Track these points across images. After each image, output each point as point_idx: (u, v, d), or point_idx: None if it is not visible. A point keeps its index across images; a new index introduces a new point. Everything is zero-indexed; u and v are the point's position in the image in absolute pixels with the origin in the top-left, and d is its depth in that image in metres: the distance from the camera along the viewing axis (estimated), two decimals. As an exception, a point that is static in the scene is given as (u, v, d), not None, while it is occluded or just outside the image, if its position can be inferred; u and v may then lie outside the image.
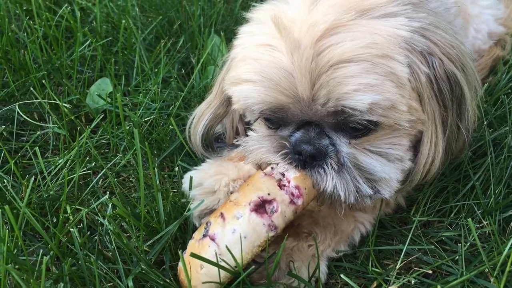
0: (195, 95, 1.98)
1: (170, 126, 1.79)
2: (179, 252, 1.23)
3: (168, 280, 1.30)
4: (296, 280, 1.31)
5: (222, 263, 1.20)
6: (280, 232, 1.26)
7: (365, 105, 1.16)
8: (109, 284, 1.31)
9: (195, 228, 1.41)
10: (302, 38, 1.17)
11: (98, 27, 2.23)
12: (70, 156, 1.63)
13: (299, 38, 1.17)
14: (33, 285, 1.14)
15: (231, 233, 1.22)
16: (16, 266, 1.22)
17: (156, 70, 2.07)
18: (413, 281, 1.36)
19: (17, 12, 2.34)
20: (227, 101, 1.49)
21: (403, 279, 1.36)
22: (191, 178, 1.45)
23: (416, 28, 1.23)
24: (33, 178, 1.45)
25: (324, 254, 1.42)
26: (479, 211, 1.53)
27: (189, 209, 1.41)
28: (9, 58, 2.07)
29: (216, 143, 1.67)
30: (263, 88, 1.22)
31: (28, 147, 1.72)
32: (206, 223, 1.28)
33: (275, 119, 1.32)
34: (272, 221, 1.23)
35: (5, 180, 1.48)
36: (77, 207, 1.48)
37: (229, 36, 2.14)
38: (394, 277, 1.38)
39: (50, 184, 1.56)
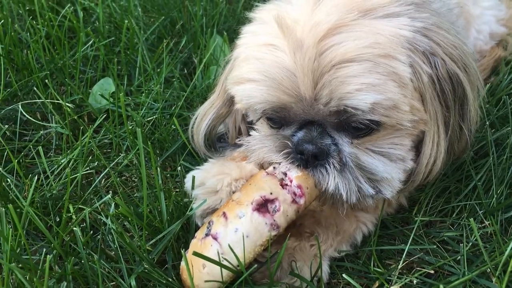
0: (198, 95, 1.98)
1: (173, 126, 1.80)
2: (182, 251, 1.23)
3: (170, 279, 1.30)
4: (298, 280, 1.31)
5: (225, 262, 1.20)
6: (282, 232, 1.27)
7: (367, 104, 1.16)
8: (111, 283, 1.31)
9: (197, 228, 1.41)
10: (304, 37, 1.18)
11: (100, 27, 2.23)
12: (73, 156, 1.63)
13: (302, 37, 1.18)
14: (36, 284, 1.14)
15: (233, 232, 1.22)
16: (20, 265, 1.22)
17: (158, 70, 2.08)
18: (415, 281, 1.36)
19: (20, 12, 2.34)
20: (230, 101, 1.49)
21: (405, 279, 1.36)
22: (193, 177, 1.46)
23: (419, 28, 1.23)
24: (36, 178, 1.45)
25: (326, 254, 1.42)
26: (481, 211, 1.53)
27: (191, 209, 1.41)
28: (11, 58, 2.08)
29: (219, 143, 1.68)
30: (265, 87, 1.23)
31: (31, 146, 1.72)
32: (209, 223, 1.28)
33: (278, 118, 1.33)
34: (274, 220, 1.24)
35: (8, 180, 1.48)
36: (80, 206, 1.48)
37: (231, 36, 2.15)
38: (396, 277, 1.37)
39: (53, 183, 1.56)
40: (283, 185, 1.28)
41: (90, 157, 1.67)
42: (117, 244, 1.35)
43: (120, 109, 1.80)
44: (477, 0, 2.17)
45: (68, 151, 1.69)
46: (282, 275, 1.34)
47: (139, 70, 2.09)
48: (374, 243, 1.43)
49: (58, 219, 1.45)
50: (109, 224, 1.39)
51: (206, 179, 1.47)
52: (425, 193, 1.59)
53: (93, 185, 1.58)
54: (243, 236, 1.20)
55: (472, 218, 1.35)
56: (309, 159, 1.28)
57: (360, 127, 1.25)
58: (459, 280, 1.29)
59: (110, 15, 2.41)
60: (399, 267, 1.39)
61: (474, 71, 1.35)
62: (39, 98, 1.90)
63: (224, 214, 1.26)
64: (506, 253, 1.27)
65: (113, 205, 1.42)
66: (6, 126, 1.77)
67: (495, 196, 1.53)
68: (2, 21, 2.09)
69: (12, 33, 2.10)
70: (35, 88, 1.90)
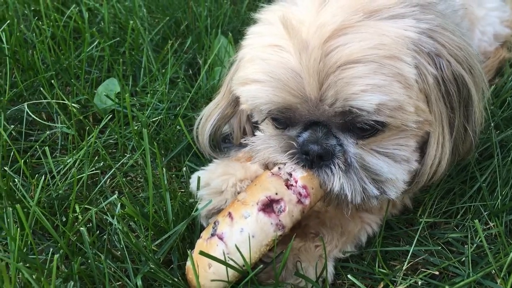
0: (202, 95, 1.99)
1: (178, 127, 1.80)
2: (188, 251, 1.23)
3: (176, 279, 1.30)
4: (303, 280, 1.32)
5: (230, 262, 1.20)
6: (288, 232, 1.27)
7: (373, 105, 1.16)
8: (118, 283, 1.31)
9: (202, 228, 1.41)
10: (310, 38, 1.18)
11: (106, 28, 2.24)
12: (79, 156, 1.64)
13: (307, 38, 1.18)
14: (44, 283, 1.14)
15: (239, 232, 1.23)
16: (27, 265, 1.23)
17: (163, 70, 2.08)
18: (419, 282, 1.36)
19: (26, 12, 2.35)
20: (235, 102, 1.50)
21: (410, 280, 1.36)
22: (198, 178, 1.46)
23: (424, 30, 1.23)
24: (43, 177, 1.46)
25: (331, 255, 1.42)
26: (486, 213, 1.53)
27: (196, 209, 1.42)
28: (17, 58, 2.09)
29: (223, 143, 1.68)
30: (271, 88, 1.23)
31: (37, 146, 1.73)
32: (214, 223, 1.28)
33: (283, 119, 1.33)
34: (279, 220, 1.24)
35: (15, 180, 1.49)
36: (86, 206, 1.49)
37: (236, 37, 2.16)
38: (401, 278, 1.38)
39: (59, 183, 1.57)
40: (288, 186, 1.29)
41: (96, 157, 1.67)
42: (123, 244, 1.36)
43: (125, 109, 1.80)
44: (481, 1, 2.17)
45: (74, 151, 1.69)
46: (287, 276, 1.34)
47: (144, 70, 2.10)
48: (378, 244, 1.43)
49: (64, 219, 1.45)
50: (115, 224, 1.39)
51: (211, 179, 1.47)
52: (430, 194, 1.60)
53: (99, 185, 1.59)
54: (248, 236, 1.21)
55: (476, 220, 1.35)
56: (314, 159, 1.29)
57: (365, 128, 1.25)
58: (464, 281, 1.29)
59: (115, 15, 2.42)
60: (404, 268, 1.39)
61: (479, 72, 1.35)
62: (45, 98, 1.91)
63: (229, 214, 1.27)
64: (511, 254, 1.27)
65: (119, 205, 1.42)
66: (12, 126, 1.77)
67: (500, 197, 1.53)
68: (8, 21, 2.10)
69: (18, 34, 2.11)
70: (41, 88, 1.90)
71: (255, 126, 1.56)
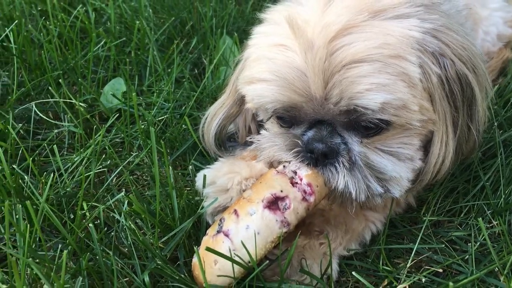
0: (207, 95, 2.01)
1: (183, 126, 1.82)
2: (195, 247, 1.25)
3: (182, 275, 1.32)
4: (308, 277, 1.33)
5: (236, 259, 1.22)
6: (293, 229, 1.28)
7: (377, 104, 1.17)
8: (125, 279, 1.33)
9: (208, 225, 1.43)
10: (315, 38, 1.19)
11: (112, 28, 2.26)
12: (86, 154, 1.66)
13: (313, 38, 1.20)
14: (53, 278, 1.16)
15: (244, 229, 1.24)
16: (37, 260, 1.25)
17: (169, 70, 2.10)
18: (423, 280, 1.37)
19: (33, 12, 2.37)
20: (240, 100, 1.51)
21: (414, 278, 1.37)
22: (204, 176, 1.47)
23: (428, 30, 1.25)
24: (52, 175, 1.48)
25: (336, 252, 1.43)
26: (489, 211, 1.54)
27: (202, 207, 1.43)
28: (24, 58, 2.11)
29: (229, 142, 1.70)
30: (277, 87, 1.25)
31: (45, 145, 1.75)
32: (220, 220, 1.30)
33: (288, 117, 1.34)
34: (285, 217, 1.25)
35: (25, 177, 1.50)
36: (93, 204, 1.51)
37: (241, 37, 2.17)
38: (404, 275, 1.39)
39: (67, 181, 1.58)
40: (293, 183, 1.30)
41: (103, 156, 1.69)
42: (130, 241, 1.37)
43: (131, 108, 1.82)
44: (484, 1, 2.18)
45: (81, 150, 1.71)
46: (292, 273, 1.35)
47: (149, 70, 2.12)
48: (383, 241, 1.44)
49: (72, 216, 1.47)
50: (122, 221, 1.41)
51: (217, 177, 1.48)
52: (433, 193, 1.61)
53: (107, 183, 1.60)
54: (254, 233, 1.22)
55: (480, 218, 1.36)
56: (319, 157, 1.30)
57: (369, 127, 1.26)
58: (468, 278, 1.30)
59: (120, 15, 2.44)
60: (408, 265, 1.41)
61: (482, 72, 1.36)
62: (52, 97, 1.93)
63: (235, 211, 1.28)
64: (514, 252, 1.28)
65: (126, 202, 1.44)
66: (20, 125, 1.79)
67: (503, 196, 1.54)
68: (16, 21, 2.12)
69: (25, 33, 2.13)
70: (49, 87, 1.92)
71: (260, 125, 1.57)
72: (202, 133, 1.65)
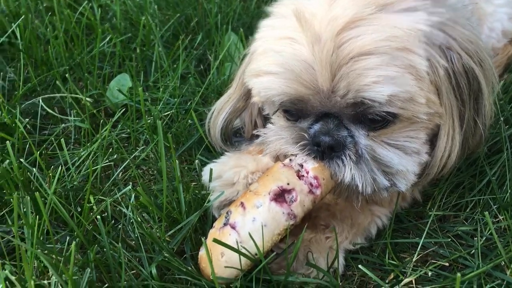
0: (213, 91, 2.01)
1: (189, 121, 1.83)
2: (202, 239, 1.25)
3: (189, 268, 1.32)
4: (314, 271, 1.33)
5: (243, 251, 1.22)
6: (299, 221, 1.29)
7: (385, 96, 1.18)
8: (132, 272, 1.34)
9: (214, 219, 1.43)
10: (323, 31, 1.20)
11: (117, 24, 2.27)
12: (93, 148, 1.67)
13: (320, 31, 1.20)
14: (62, 269, 1.17)
15: (251, 221, 1.24)
16: (45, 252, 1.25)
17: (174, 66, 2.11)
18: (429, 273, 1.37)
19: (40, 8, 2.38)
20: (247, 95, 1.52)
21: (420, 271, 1.37)
22: (211, 170, 1.48)
23: (436, 23, 1.25)
24: (59, 168, 1.49)
25: (341, 246, 1.43)
26: (495, 206, 1.54)
27: (209, 200, 1.44)
28: (30, 54, 2.12)
29: (234, 137, 1.70)
30: (284, 79, 1.25)
31: (52, 139, 1.76)
32: (227, 212, 1.30)
33: (295, 111, 1.35)
34: (291, 210, 1.26)
35: (34, 170, 1.51)
36: (100, 197, 1.51)
37: (246, 33, 2.18)
38: (411, 269, 1.39)
39: (74, 174, 1.59)
40: (299, 176, 1.30)
41: (110, 150, 1.70)
42: (137, 234, 1.38)
43: (137, 104, 1.83)
44: (489, -3, 2.18)
45: (88, 144, 1.72)
46: (298, 266, 1.35)
47: (155, 66, 2.12)
48: (389, 236, 1.44)
49: (79, 210, 1.48)
50: (129, 215, 1.42)
51: (223, 171, 1.49)
52: (439, 188, 1.61)
53: (114, 176, 1.61)
54: (261, 225, 1.23)
55: (486, 212, 1.36)
56: (326, 150, 1.30)
57: (376, 119, 1.26)
58: (474, 272, 1.30)
59: (126, 12, 2.45)
60: (414, 259, 1.41)
61: (489, 66, 1.36)
62: (59, 92, 1.94)
63: (242, 204, 1.28)
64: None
65: (133, 195, 1.45)
66: (27, 119, 1.80)
67: (509, 191, 1.54)
68: (23, 16, 2.13)
69: (31, 29, 2.14)
70: (57, 82, 1.93)
71: (266, 120, 1.58)
72: (208, 128, 1.65)
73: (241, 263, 1.23)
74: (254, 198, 1.28)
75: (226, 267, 1.23)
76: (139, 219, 1.38)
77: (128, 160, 1.63)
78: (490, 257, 1.40)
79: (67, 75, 1.95)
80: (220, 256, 1.24)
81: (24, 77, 2.01)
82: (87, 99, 1.85)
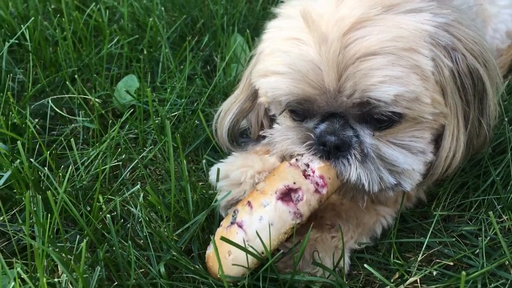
0: (219, 92, 2.03)
1: (196, 121, 1.85)
2: (211, 236, 1.27)
3: (197, 266, 1.34)
4: (320, 270, 1.34)
5: (250, 249, 1.23)
6: (305, 221, 1.30)
7: (390, 96, 1.19)
8: (141, 270, 1.35)
9: (221, 218, 1.44)
10: (329, 31, 1.21)
11: (125, 25, 2.29)
12: (102, 148, 1.69)
13: (327, 31, 1.22)
14: (74, 267, 1.19)
15: (258, 220, 1.26)
16: (56, 250, 1.27)
17: (181, 67, 2.13)
18: (434, 273, 1.38)
19: (49, 10, 2.41)
20: (254, 95, 1.53)
21: (425, 271, 1.38)
22: (218, 170, 1.49)
23: (441, 24, 1.26)
24: (69, 168, 1.51)
25: (347, 246, 1.44)
26: (499, 206, 1.55)
27: (216, 200, 1.45)
28: (39, 55, 2.14)
29: (241, 138, 1.72)
30: (291, 80, 1.26)
31: (62, 139, 1.78)
32: (234, 211, 1.32)
33: (301, 111, 1.36)
34: (297, 209, 1.27)
35: (42, 171, 1.53)
36: (109, 197, 1.53)
37: (251, 34, 2.20)
38: (415, 268, 1.40)
39: (83, 174, 1.61)
40: (306, 176, 1.32)
41: (118, 150, 1.72)
42: (146, 233, 1.40)
43: (145, 105, 1.85)
44: (493, -1, 2.19)
45: (97, 144, 1.74)
46: (304, 265, 1.36)
47: (162, 67, 2.14)
48: (394, 235, 1.45)
49: (88, 209, 1.49)
50: (138, 214, 1.44)
51: (230, 171, 1.50)
52: (444, 188, 1.62)
53: (122, 176, 1.62)
54: (268, 224, 1.24)
55: (491, 212, 1.37)
56: (331, 150, 1.31)
57: (382, 119, 1.28)
58: (479, 271, 1.31)
59: (133, 13, 2.47)
60: (419, 259, 1.42)
61: (493, 66, 1.37)
62: (68, 93, 1.96)
63: (249, 203, 1.30)
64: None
65: (141, 195, 1.46)
66: (36, 120, 1.82)
67: (514, 191, 1.55)
68: (32, 18, 2.16)
69: (40, 31, 2.16)
70: (67, 83, 1.95)
71: (272, 121, 1.59)
72: (215, 128, 1.67)
73: (248, 261, 1.24)
74: (261, 197, 1.29)
75: (233, 265, 1.25)
76: (147, 218, 1.39)
77: (137, 160, 1.65)
78: (495, 256, 1.40)
79: (75, 76, 1.97)
80: (227, 255, 1.26)
81: (33, 78, 2.03)
82: (96, 100, 1.87)
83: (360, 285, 1.42)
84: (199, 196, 1.50)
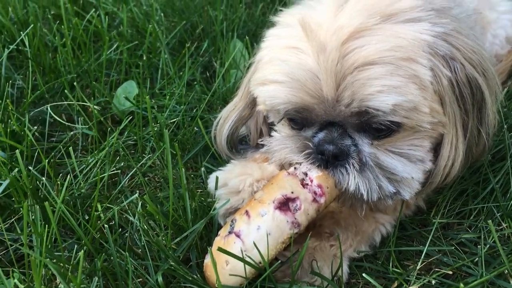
0: (218, 98, 2.03)
1: (195, 128, 1.84)
2: (208, 248, 1.27)
3: (195, 276, 1.33)
4: (319, 279, 1.34)
5: (247, 259, 1.23)
6: (303, 230, 1.30)
7: (389, 106, 1.19)
8: (138, 280, 1.35)
9: (220, 227, 1.44)
10: (328, 41, 1.21)
11: (124, 31, 2.29)
12: (100, 156, 1.68)
13: (325, 41, 1.22)
14: (71, 278, 1.18)
15: (256, 229, 1.25)
16: (54, 260, 1.27)
17: (181, 73, 2.12)
18: (433, 282, 1.37)
19: (49, 16, 2.41)
20: (252, 103, 1.53)
21: (424, 280, 1.37)
22: (216, 178, 1.49)
23: (439, 33, 1.26)
24: (68, 176, 1.50)
25: (346, 254, 1.44)
26: (499, 214, 1.54)
27: (214, 208, 1.45)
28: (38, 61, 2.14)
29: (240, 145, 1.71)
30: (289, 88, 1.26)
31: (61, 147, 1.78)
32: (232, 221, 1.31)
33: (300, 119, 1.36)
34: (295, 218, 1.27)
35: (43, 179, 1.53)
36: (107, 205, 1.53)
37: (251, 40, 2.20)
38: (414, 277, 1.39)
39: (81, 182, 1.61)
40: (304, 185, 1.32)
41: (117, 158, 1.72)
42: (144, 242, 1.39)
43: (144, 111, 1.85)
44: (493, 5, 2.19)
45: (95, 152, 1.74)
46: (303, 274, 1.36)
47: (161, 73, 2.14)
48: (393, 243, 1.45)
49: (86, 217, 1.49)
50: (136, 223, 1.43)
51: (229, 179, 1.50)
52: (443, 195, 1.61)
53: (121, 184, 1.62)
54: (266, 234, 1.24)
55: (490, 220, 1.37)
56: (330, 159, 1.31)
57: (380, 128, 1.28)
58: (478, 280, 1.31)
59: (132, 19, 2.47)
60: (418, 268, 1.41)
61: (492, 75, 1.37)
62: (67, 100, 1.96)
63: (246, 212, 1.30)
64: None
65: (140, 204, 1.46)
66: (35, 127, 1.82)
67: (513, 198, 1.55)
68: (32, 25, 2.16)
69: (39, 37, 2.16)
70: (65, 91, 1.95)
71: (271, 128, 1.59)
72: (214, 136, 1.67)
73: (245, 271, 1.24)
74: (258, 206, 1.29)
75: (230, 275, 1.24)
76: (145, 227, 1.39)
77: (136, 168, 1.65)
78: (494, 265, 1.40)
79: (75, 83, 1.97)
80: (225, 265, 1.26)
81: (33, 85, 2.03)
82: (95, 107, 1.87)
83: (359, 293, 1.42)
84: (198, 204, 1.49)
